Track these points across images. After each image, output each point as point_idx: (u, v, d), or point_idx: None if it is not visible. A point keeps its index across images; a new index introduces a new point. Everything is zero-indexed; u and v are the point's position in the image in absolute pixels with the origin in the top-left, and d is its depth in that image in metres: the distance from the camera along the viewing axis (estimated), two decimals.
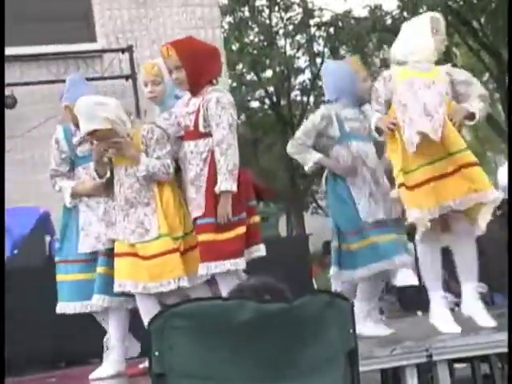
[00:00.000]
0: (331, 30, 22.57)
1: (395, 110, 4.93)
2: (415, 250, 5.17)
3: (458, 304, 5.64)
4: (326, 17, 23.12)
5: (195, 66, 4.65)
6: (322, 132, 5.24)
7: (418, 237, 4.95)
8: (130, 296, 4.70)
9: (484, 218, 4.82)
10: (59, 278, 4.98)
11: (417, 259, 7.49)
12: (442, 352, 4.55)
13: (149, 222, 4.64)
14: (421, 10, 18.21)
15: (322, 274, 9.56)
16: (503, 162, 15.49)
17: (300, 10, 23.28)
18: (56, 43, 10.61)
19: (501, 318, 4.91)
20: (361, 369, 2.86)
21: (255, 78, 23.78)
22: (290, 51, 23.74)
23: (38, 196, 7.75)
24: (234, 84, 22.18)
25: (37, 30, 10.52)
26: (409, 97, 4.89)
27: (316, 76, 22.58)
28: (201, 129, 4.65)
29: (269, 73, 23.55)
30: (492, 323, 4.88)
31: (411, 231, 5.05)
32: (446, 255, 5.10)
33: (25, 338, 5.83)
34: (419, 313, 6.79)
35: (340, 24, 22.25)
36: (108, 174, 4.74)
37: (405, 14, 20.55)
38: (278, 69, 22.81)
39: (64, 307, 4.93)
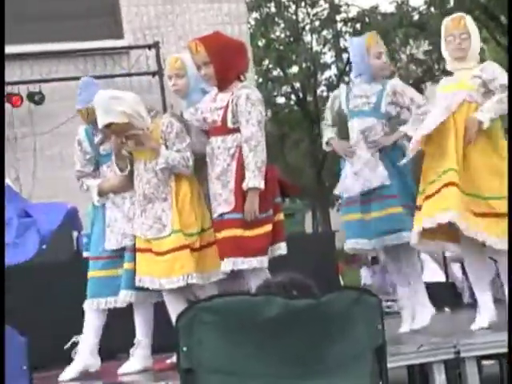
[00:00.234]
0: (358, 25, 22.51)
1: None
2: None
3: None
4: (353, 12, 23.08)
5: (223, 61, 4.65)
6: (339, 112, 5.39)
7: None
8: (152, 290, 4.72)
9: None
10: (88, 274, 5.01)
11: (445, 258, 7.49)
12: (471, 348, 4.53)
13: (166, 218, 4.64)
14: (448, 6, 18.12)
15: (348, 270, 9.54)
16: None
17: (326, 5, 23.24)
18: (83, 40, 10.64)
19: None
20: (387, 365, 2.86)
21: (281, 73, 23.77)
22: (316, 47, 23.72)
23: (66, 192, 7.78)
24: (260, 80, 22.18)
25: (64, 27, 10.56)
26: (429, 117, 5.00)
27: (342, 71, 22.53)
28: (229, 124, 4.65)
29: (295, 68, 23.54)
30: None
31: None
32: None
33: (54, 333, 5.85)
34: (447, 309, 6.77)
35: (366, 19, 22.19)
36: (129, 168, 4.75)
37: (432, 9, 20.46)
38: (304, 64, 22.78)
39: (89, 304, 4.96)
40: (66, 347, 5.04)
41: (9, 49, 9.98)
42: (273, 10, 23.44)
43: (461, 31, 5.01)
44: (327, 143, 5.44)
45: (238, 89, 4.66)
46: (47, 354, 5.10)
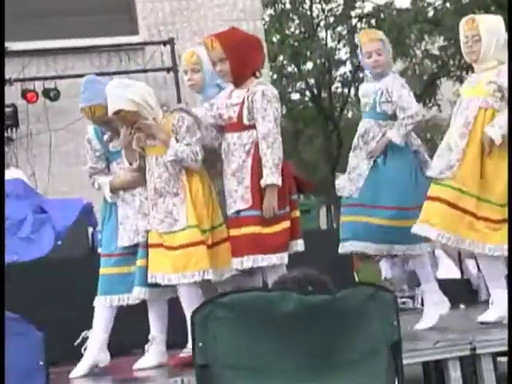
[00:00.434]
0: (373, 21, 22.47)
1: None
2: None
3: None
4: (368, 8, 23.03)
5: (239, 57, 4.64)
6: None
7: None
8: (166, 286, 4.72)
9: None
10: (100, 271, 5.02)
11: (460, 254, 7.46)
12: (487, 345, 4.51)
13: (177, 212, 4.63)
14: (464, 1, 18.04)
15: (363, 267, 9.51)
16: None
17: (341, 1, 23.21)
18: (98, 36, 10.68)
19: None
20: (403, 362, 2.85)
21: (296, 69, 23.75)
22: (330, 43, 23.69)
23: (81, 188, 7.79)
24: (275, 76, 22.17)
25: (79, 24, 10.60)
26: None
27: (357, 68, 22.49)
28: (245, 121, 4.65)
29: (309, 65, 23.52)
30: None
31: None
32: None
33: (69, 329, 5.87)
34: (462, 306, 6.75)
35: (381, 15, 22.15)
36: (138, 161, 4.75)
37: (447, 5, 20.37)
38: (318, 61, 22.75)
39: (101, 300, 4.97)
40: (76, 343, 5.05)
41: (25, 45, 10.04)
42: (288, 5, 23.43)
43: (472, 33, 4.95)
44: None
45: (253, 85, 4.66)
46: (62, 350, 5.12)
